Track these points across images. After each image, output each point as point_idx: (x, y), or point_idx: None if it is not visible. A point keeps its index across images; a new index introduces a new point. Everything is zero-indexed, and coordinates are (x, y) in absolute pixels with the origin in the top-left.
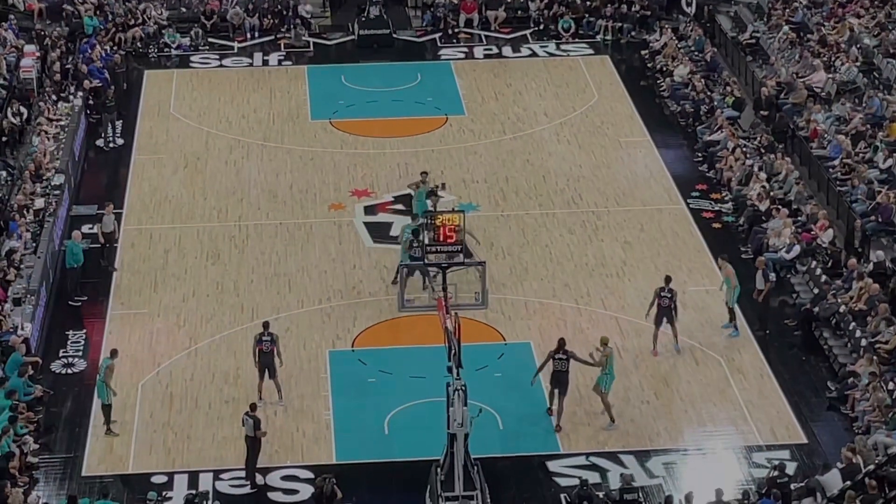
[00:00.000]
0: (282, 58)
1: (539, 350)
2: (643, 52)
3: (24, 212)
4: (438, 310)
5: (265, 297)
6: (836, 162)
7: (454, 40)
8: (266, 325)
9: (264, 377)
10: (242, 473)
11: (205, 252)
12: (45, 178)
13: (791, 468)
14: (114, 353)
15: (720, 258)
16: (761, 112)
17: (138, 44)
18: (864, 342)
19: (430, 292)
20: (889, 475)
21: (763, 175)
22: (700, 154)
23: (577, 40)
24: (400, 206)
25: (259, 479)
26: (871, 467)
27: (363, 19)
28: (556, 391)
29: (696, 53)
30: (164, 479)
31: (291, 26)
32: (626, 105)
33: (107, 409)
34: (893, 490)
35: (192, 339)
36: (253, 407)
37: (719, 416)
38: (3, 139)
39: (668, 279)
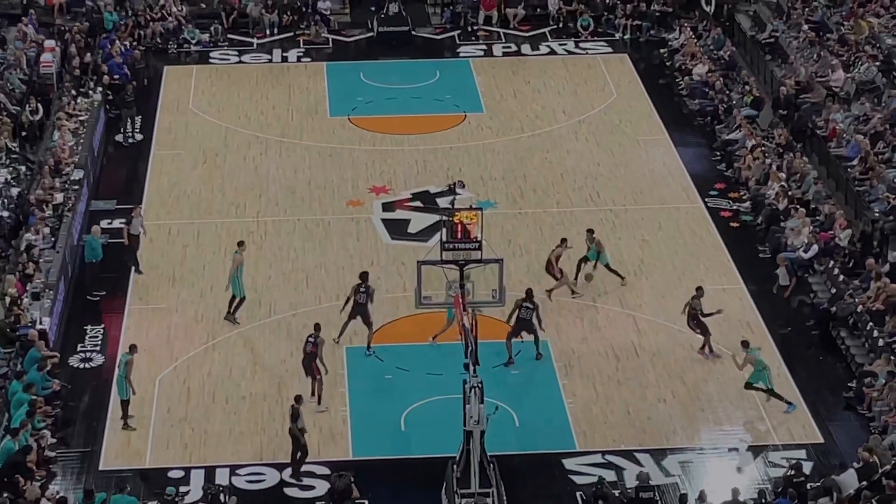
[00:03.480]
0: (301, 54)
1: (556, 347)
2: (662, 51)
3: (44, 206)
4: (455, 307)
5: (283, 293)
6: (855, 162)
7: (473, 38)
8: (317, 326)
9: (309, 376)
10: (258, 469)
11: (223, 248)
12: (64, 172)
13: (807, 468)
14: (133, 348)
15: (742, 344)
16: (780, 111)
17: (158, 39)
18: (881, 342)
19: (447, 289)
20: None
21: (782, 174)
22: (718, 153)
23: (596, 38)
24: (418, 203)
25: (275, 474)
26: (888, 467)
27: (382, 16)
28: (522, 335)
29: (715, 52)
30: (181, 473)
31: (311, 23)
32: (644, 103)
33: (124, 404)
34: None
35: (209, 335)
36: (298, 399)
37: (736, 415)
38: (23, 134)
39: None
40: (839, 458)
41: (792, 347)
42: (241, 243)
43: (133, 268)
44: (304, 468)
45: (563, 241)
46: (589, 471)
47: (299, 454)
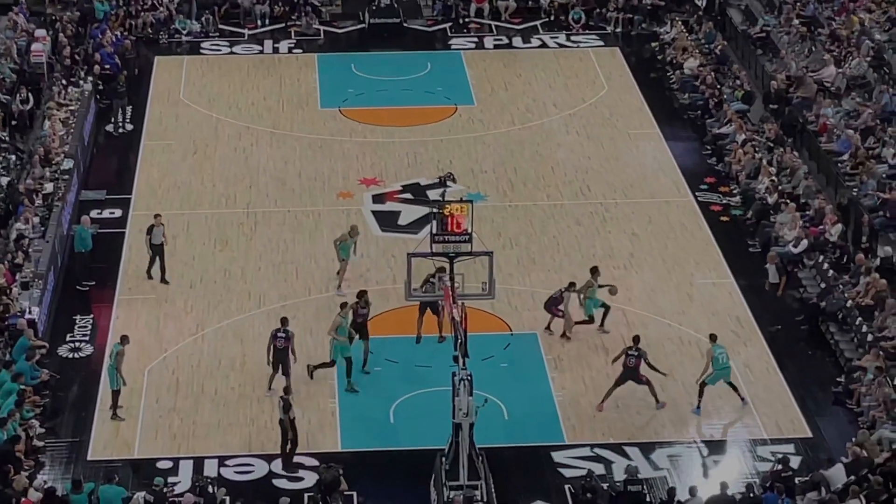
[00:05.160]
0: (292, 45)
1: (545, 341)
2: (653, 45)
3: (34, 196)
4: (445, 299)
5: (273, 285)
6: (845, 157)
7: (465, 30)
8: (284, 321)
9: (277, 371)
10: (247, 460)
11: (213, 239)
12: (54, 162)
13: (795, 462)
14: (124, 338)
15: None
16: (771, 106)
17: (149, 29)
18: (870, 337)
19: (438, 281)
20: (893, 470)
21: (772, 169)
22: (709, 147)
23: (587, 31)
24: (408, 195)
25: (264, 465)
26: (877, 461)
27: (374, 8)
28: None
29: (706, 46)
30: (169, 464)
31: (302, 14)
32: (635, 97)
33: (115, 394)
34: None
35: (199, 326)
36: (287, 390)
37: (724, 409)
38: (13, 123)
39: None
40: (827, 453)
41: (781, 342)
42: (343, 305)
43: (161, 278)
44: (293, 459)
45: (572, 284)
46: (578, 464)
47: (289, 446)
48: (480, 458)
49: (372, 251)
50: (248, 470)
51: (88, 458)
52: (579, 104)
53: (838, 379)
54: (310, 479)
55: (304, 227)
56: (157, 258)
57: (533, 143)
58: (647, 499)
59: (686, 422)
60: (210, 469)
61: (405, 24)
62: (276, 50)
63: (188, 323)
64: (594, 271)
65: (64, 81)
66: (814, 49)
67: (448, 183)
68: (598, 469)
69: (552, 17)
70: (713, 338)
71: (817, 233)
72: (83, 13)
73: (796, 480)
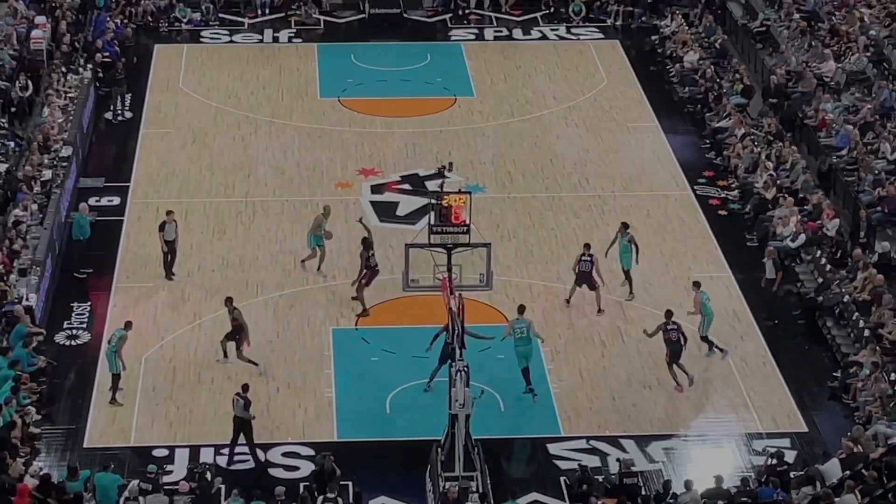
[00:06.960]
0: (292, 35)
1: (542, 332)
2: (653, 38)
3: (32, 183)
4: (443, 290)
5: (270, 274)
6: (844, 152)
7: (465, 21)
8: (229, 300)
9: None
10: (243, 449)
11: (211, 227)
12: (53, 149)
13: (791, 456)
14: (128, 324)
15: (693, 284)
16: (770, 100)
17: (149, 17)
18: (867, 332)
19: (434, 272)
20: (889, 465)
21: (770, 163)
22: (708, 141)
23: (587, 24)
24: (407, 186)
25: (260, 455)
26: (872, 456)
27: None
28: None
29: (706, 40)
30: (165, 452)
31: (302, 3)
32: (635, 90)
33: (115, 378)
34: (893, 480)
35: (196, 314)
36: (245, 388)
37: (720, 403)
38: (12, 110)
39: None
40: (823, 448)
41: (778, 336)
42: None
43: (165, 274)
44: (288, 448)
45: (587, 246)
46: (573, 456)
47: (235, 439)
48: (476, 449)
49: None
50: (245, 459)
51: (84, 445)
52: (579, 97)
53: (835, 374)
54: (305, 468)
55: (303, 216)
56: (169, 254)
57: (532, 135)
58: (643, 492)
59: (682, 415)
60: (206, 457)
61: (405, 15)
62: (275, 39)
63: (185, 311)
64: (625, 226)
65: (63, 69)
66: (813, 44)
67: (446, 174)
68: (594, 461)
69: (552, 9)
70: (697, 285)
71: (815, 227)
72: (83, 1)
73: (791, 475)
